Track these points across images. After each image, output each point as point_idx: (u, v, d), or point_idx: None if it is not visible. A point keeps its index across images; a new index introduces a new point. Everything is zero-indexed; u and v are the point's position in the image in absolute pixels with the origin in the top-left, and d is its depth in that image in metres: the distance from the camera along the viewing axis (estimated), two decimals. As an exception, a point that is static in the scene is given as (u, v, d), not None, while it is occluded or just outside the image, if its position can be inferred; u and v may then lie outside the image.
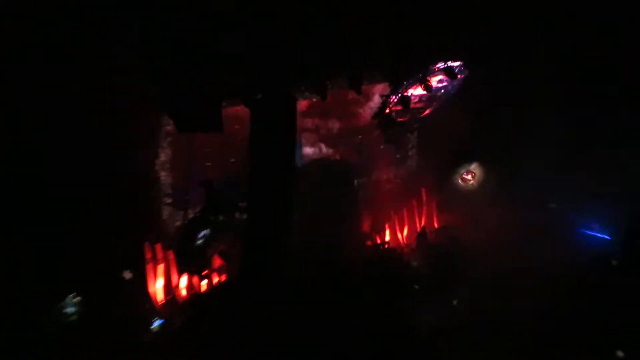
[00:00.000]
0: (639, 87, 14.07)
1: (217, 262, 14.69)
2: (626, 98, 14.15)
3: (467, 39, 14.04)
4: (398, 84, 14.87)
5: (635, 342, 13.07)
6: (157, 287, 13.82)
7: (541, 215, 14.93)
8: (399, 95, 15.11)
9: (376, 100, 15.64)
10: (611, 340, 13.05)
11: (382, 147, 16.24)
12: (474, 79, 15.15)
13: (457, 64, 14.87)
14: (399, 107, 15.56)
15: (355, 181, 15.99)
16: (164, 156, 14.74)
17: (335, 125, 16.05)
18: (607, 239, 15.17)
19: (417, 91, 15.33)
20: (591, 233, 15.26)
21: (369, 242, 15.80)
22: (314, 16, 12.62)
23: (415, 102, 15.46)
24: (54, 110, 12.93)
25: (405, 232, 16.35)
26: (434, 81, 15.18)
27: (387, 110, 15.36)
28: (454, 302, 14.22)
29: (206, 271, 14.55)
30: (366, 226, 16.10)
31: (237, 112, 14.06)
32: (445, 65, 14.73)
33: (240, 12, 12.45)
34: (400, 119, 15.78)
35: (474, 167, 16.15)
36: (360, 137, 16.30)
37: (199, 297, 14.70)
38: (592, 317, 13.63)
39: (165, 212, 15.03)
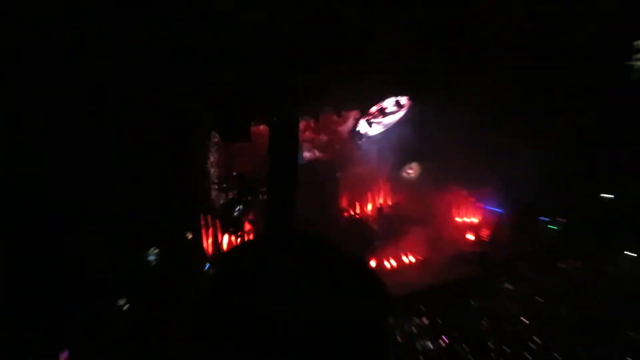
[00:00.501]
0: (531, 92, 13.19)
1: (247, 227, 14.75)
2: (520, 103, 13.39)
3: (411, 80, 14.19)
4: (364, 111, 15.51)
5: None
6: (208, 243, 13.88)
7: (456, 196, 15.67)
8: (366, 118, 15.66)
9: (350, 121, 16.14)
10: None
11: (354, 152, 16.59)
12: (416, 107, 15.37)
13: (404, 98, 15.36)
14: (370, 121, 15.74)
15: (337, 174, 16.38)
16: (212, 158, 14.51)
17: (324, 137, 16.43)
18: (501, 212, 15.73)
19: (377, 117, 15.68)
20: (491, 208, 15.90)
21: (346, 214, 16.35)
22: (313, 68, 12.23)
23: (377, 122, 15.78)
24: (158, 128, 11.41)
25: (369, 207, 16.74)
26: (389, 108, 15.52)
27: (357, 128, 15.92)
28: (400, 253, 14.87)
29: (240, 232, 14.53)
30: (344, 203, 16.55)
31: (260, 129, 14.24)
32: (395, 99, 15.22)
33: (272, 59, 11.77)
34: (367, 134, 16.12)
35: (413, 164, 16.58)
36: (339, 145, 16.69)
37: (235, 247, 14.30)
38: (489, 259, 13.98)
39: (213, 194, 14.65)
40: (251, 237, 13.90)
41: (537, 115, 12.98)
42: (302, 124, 15.07)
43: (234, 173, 14.51)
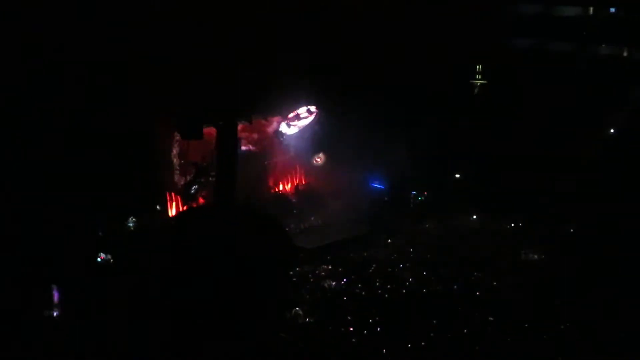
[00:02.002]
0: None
1: (201, 201, 15.85)
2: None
3: (318, 95, 16.93)
4: (284, 116, 17.35)
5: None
6: (172, 213, 15.20)
7: (351, 176, 17.32)
8: (286, 121, 17.54)
9: (274, 124, 17.52)
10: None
11: (278, 145, 17.82)
12: (322, 113, 17.56)
13: (313, 107, 17.61)
14: (289, 124, 17.43)
15: (266, 162, 17.68)
16: (174, 150, 15.59)
17: (255, 136, 17.23)
18: (382, 188, 17.92)
19: (294, 121, 17.45)
20: (375, 185, 17.84)
21: (272, 190, 17.82)
22: (248, 88, 14.25)
23: (294, 124, 17.64)
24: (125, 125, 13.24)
25: (289, 186, 18.17)
26: (302, 114, 17.53)
27: (280, 129, 17.60)
28: (312, 218, 17.14)
29: (195, 204, 15.64)
30: (270, 183, 17.89)
31: (210, 130, 15.07)
32: (307, 107, 17.45)
33: (219, 80, 13.49)
34: (286, 133, 17.65)
35: (320, 154, 18.19)
36: (267, 141, 17.65)
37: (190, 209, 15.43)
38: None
39: (176, 177, 15.79)
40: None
41: (402, 125, 16.93)
42: (240, 126, 15.87)
43: (191, 162, 15.88)
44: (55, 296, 11.31)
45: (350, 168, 16.99)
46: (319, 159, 18.28)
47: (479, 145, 17.12)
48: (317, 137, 17.65)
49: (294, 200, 17.58)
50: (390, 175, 17.41)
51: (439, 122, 17.13)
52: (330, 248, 15.27)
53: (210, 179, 15.89)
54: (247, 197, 15.91)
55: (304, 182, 18.42)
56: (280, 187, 18.19)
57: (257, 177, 17.07)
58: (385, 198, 17.68)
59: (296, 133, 17.75)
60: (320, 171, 18.12)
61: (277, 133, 17.66)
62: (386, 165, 17.04)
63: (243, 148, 16.46)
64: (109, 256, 13.11)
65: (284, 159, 18.06)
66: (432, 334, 11.25)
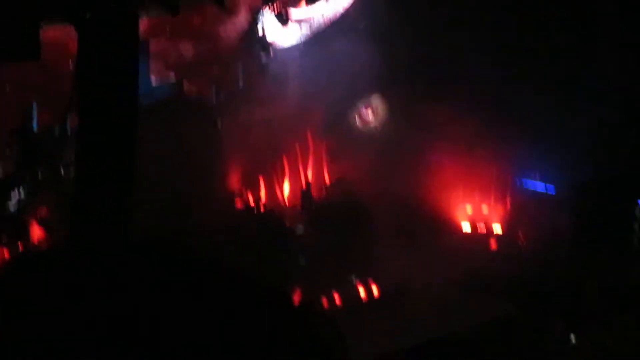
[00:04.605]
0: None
1: (36, 231, 14.82)
2: None
3: None
4: None
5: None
6: None
7: (463, 162, 15.98)
8: (276, 8, 15.71)
9: (244, 16, 15.69)
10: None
11: (253, 78, 16.26)
12: None
13: None
14: (285, 15, 16.12)
15: (218, 123, 15.85)
16: None
17: (189, 50, 15.78)
18: (549, 193, 16.41)
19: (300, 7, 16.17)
20: (532, 187, 16.49)
21: (238, 204, 15.90)
22: None
23: (297, 18, 16.16)
24: None
25: (286, 188, 16.33)
26: None
27: (260, 30, 15.79)
28: (352, 279, 15.17)
29: (20, 242, 14.69)
30: (234, 182, 15.99)
31: (61, 35, 13.60)
32: None
33: None
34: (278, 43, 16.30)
35: (374, 102, 16.23)
36: (222, 66, 16.23)
37: (9, 275, 14.36)
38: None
39: None
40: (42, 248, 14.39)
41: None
42: (143, 23, 14.22)
43: (9, 127, 15.23)
44: None
45: (457, 139, 15.91)
46: (368, 116, 16.74)
47: None
48: (363, 56, 15.78)
49: (298, 232, 16.08)
50: (568, 170, 16.20)
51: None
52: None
53: (62, 170, 15.10)
54: (174, 226, 15.43)
55: (327, 180, 17.14)
56: (262, 195, 16.77)
57: (200, 169, 15.85)
58: (558, 220, 16.18)
59: (306, 44, 16.60)
60: (374, 148, 16.40)
61: (254, 42, 16.43)
62: (557, 146, 16.04)
63: (156, 84, 16.35)
64: None
65: (271, 115, 16.66)
66: None
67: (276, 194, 16.45)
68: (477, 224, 16.41)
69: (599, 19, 16.69)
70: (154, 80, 16.11)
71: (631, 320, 14.69)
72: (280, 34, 16.04)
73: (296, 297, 13.42)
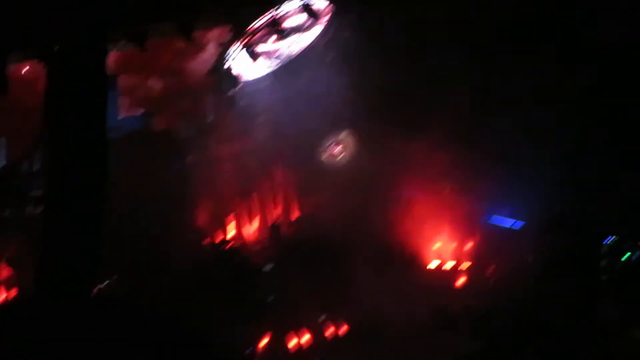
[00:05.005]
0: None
1: (3, 272, 14.76)
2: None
3: None
4: (241, 28, 15.43)
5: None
6: None
7: (432, 198, 15.60)
8: (244, 42, 15.57)
9: (212, 50, 15.68)
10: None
11: (222, 112, 16.24)
12: (344, 17, 15.82)
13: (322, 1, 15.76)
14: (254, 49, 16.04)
15: (187, 158, 15.79)
16: None
17: (157, 84, 15.89)
18: (515, 227, 16.05)
19: (268, 42, 16.01)
20: (499, 221, 16.08)
21: (207, 240, 15.68)
22: None
23: (267, 51, 15.93)
24: None
25: (255, 224, 16.14)
26: (291, 19, 15.77)
27: (227, 63, 15.66)
28: (321, 319, 14.84)
29: None
30: (202, 218, 15.91)
31: (30, 70, 14.47)
32: (304, 2, 15.41)
33: None
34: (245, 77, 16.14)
35: (344, 136, 16.01)
36: (190, 100, 16.13)
37: None
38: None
39: None
40: (10, 295, 15.15)
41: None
42: (112, 57, 14.58)
43: None
44: None
45: (426, 174, 15.51)
46: (338, 150, 16.41)
47: None
48: (333, 90, 15.64)
49: (266, 268, 15.70)
50: (536, 202, 15.75)
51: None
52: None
53: (30, 209, 15.38)
54: (141, 262, 15.45)
55: (296, 214, 16.82)
56: (230, 231, 16.58)
57: (163, 200, 15.83)
58: (532, 259, 15.84)
59: (275, 77, 16.30)
60: (344, 182, 16.11)
61: (221, 76, 16.24)
62: (525, 180, 15.65)
63: (124, 117, 16.33)
64: None
65: (239, 149, 16.66)
66: None
67: (245, 230, 16.21)
68: (446, 260, 16.09)
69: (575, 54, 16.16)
70: (122, 114, 16.04)
71: (596, 354, 14.34)
72: (249, 67, 15.93)
73: (264, 336, 14.32)
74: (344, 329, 15.06)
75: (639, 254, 16.13)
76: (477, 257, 16.38)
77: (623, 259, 16.15)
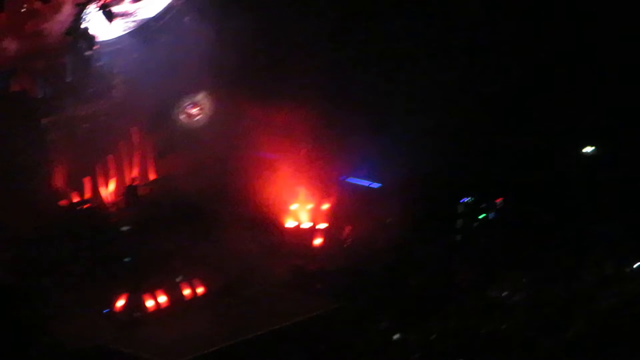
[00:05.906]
0: None
1: None
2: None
3: None
4: None
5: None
6: None
7: (290, 159, 15.71)
8: (100, 3, 15.65)
9: (68, 11, 15.39)
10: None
11: (78, 73, 15.74)
12: None
13: None
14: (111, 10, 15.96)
15: (43, 121, 15.45)
16: None
17: (11, 46, 15.82)
18: (375, 187, 16.15)
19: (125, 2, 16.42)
20: (356, 181, 16.00)
21: (63, 202, 15.46)
22: None
23: (123, 13, 15.94)
24: None
25: (112, 186, 16.04)
26: None
27: (84, 25, 15.56)
28: (178, 279, 15.02)
29: None
30: (59, 180, 15.64)
31: None
32: None
33: None
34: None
35: (201, 98, 16.10)
36: (46, 60, 15.87)
37: None
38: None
39: None
40: None
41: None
42: None
43: None
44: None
45: (285, 137, 16.27)
46: (194, 111, 17.13)
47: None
48: (193, 52, 16.19)
49: (126, 228, 16.11)
50: (394, 164, 16.30)
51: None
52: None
53: None
54: None
55: (152, 176, 17.47)
56: (86, 192, 16.73)
57: (23, 167, 15.55)
58: (388, 219, 16.41)
59: (132, 39, 16.64)
60: (202, 146, 16.92)
61: (78, 36, 15.75)
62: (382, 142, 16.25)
63: None
64: None
65: (93, 109, 16.69)
66: None
67: (101, 191, 16.00)
68: (303, 220, 16.34)
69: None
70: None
71: (451, 313, 14.50)
72: (105, 28, 15.93)
73: (121, 297, 14.25)
74: (201, 289, 15.01)
75: (494, 214, 17.03)
76: (335, 218, 16.49)
77: (479, 217, 17.00)
